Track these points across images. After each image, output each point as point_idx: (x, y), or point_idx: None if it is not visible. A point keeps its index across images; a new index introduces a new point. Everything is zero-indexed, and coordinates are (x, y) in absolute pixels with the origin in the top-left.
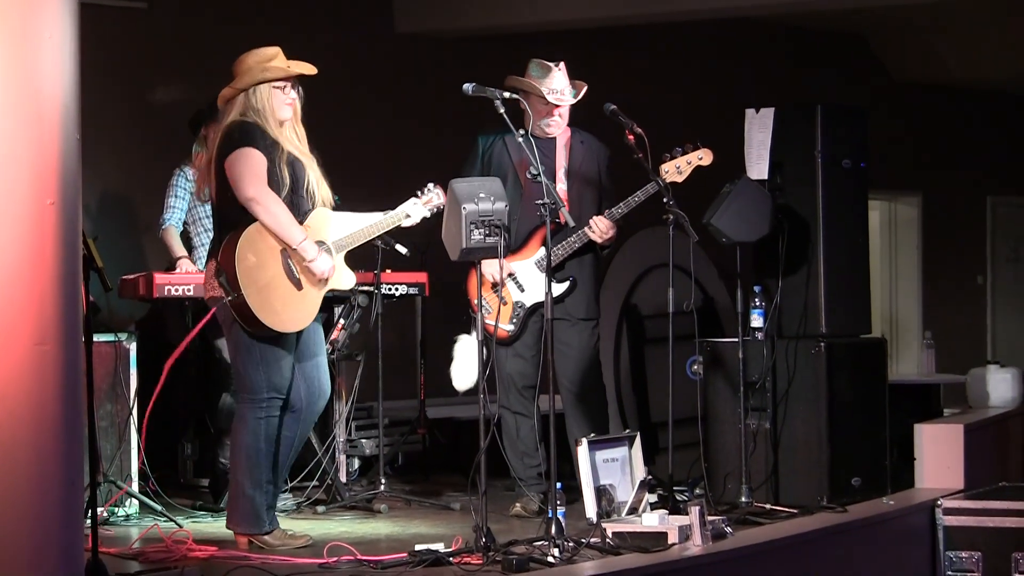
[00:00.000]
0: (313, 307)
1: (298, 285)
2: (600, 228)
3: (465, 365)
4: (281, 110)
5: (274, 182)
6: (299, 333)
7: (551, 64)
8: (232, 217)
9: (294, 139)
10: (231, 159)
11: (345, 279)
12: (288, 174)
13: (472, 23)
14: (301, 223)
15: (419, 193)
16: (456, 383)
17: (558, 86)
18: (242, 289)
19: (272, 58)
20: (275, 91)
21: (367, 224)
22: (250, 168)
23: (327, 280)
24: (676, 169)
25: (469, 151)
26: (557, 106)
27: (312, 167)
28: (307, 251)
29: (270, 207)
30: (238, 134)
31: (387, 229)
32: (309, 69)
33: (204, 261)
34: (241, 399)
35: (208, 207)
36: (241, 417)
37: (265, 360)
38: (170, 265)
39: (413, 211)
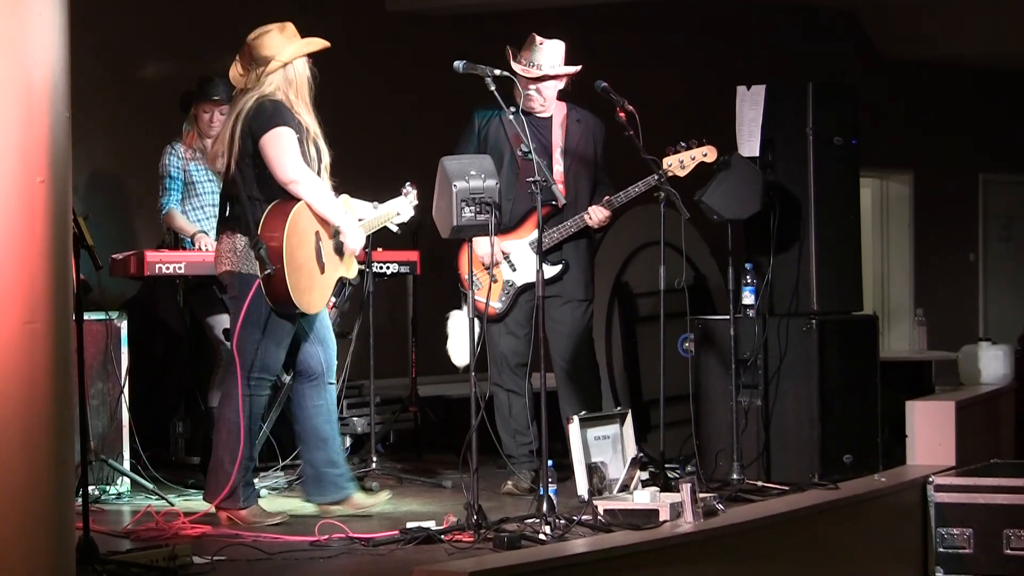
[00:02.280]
0: (329, 291)
1: (322, 268)
2: (598, 217)
3: (462, 341)
4: (309, 86)
5: (306, 160)
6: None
7: (539, 38)
8: (267, 192)
9: (313, 116)
10: (269, 138)
11: (354, 268)
12: (314, 151)
13: (463, 0)
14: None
15: (404, 192)
16: (455, 359)
17: (536, 60)
18: (284, 263)
19: (297, 34)
20: (308, 66)
21: (372, 215)
22: (289, 148)
23: (345, 265)
24: (679, 163)
25: (465, 126)
26: (531, 80)
27: (324, 149)
28: (346, 224)
29: (314, 186)
30: (271, 110)
31: (384, 224)
32: (326, 44)
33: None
34: (231, 373)
35: (203, 184)
36: (228, 393)
37: (268, 339)
38: (165, 243)
39: (403, 209)
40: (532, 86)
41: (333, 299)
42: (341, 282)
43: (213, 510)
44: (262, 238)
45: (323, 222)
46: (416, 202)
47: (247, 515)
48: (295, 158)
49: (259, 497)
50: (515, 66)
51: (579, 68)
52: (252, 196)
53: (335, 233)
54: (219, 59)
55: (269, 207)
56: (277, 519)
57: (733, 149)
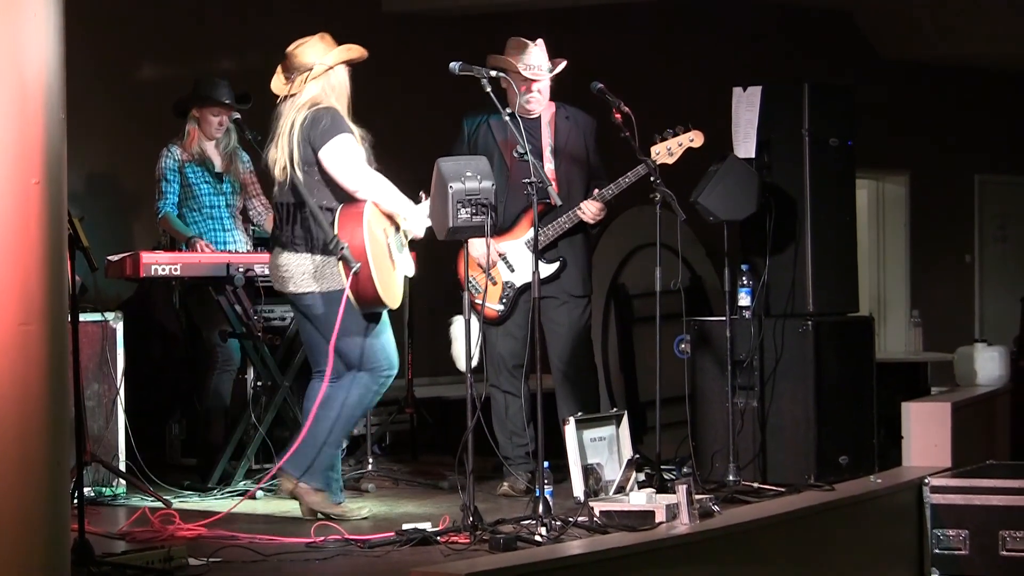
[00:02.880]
0: (401, 287)
1: (394, 265)
2: (591, 211)
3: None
4: (349, 95)
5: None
6: None
7: (528, 41)
8: (338, 198)
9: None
10: (330, 148)
11: (411, 266)
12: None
13: (460, 2)
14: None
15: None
16: (458, 364)
17: (535, 62)
18: (368, 259)
19: (334, 43)
20: (347, 73)
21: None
22: (350, 157)
23: (405, 264)
24: (667, 151)
25: (456, 135)
26: (535, 81)
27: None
28: (414, 214)
29: (378, 186)
30: (329, 120)
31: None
32: (364, 53)
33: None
34: (355, 370)
35: (200, 187)
36: (358, 382)
37: (370, 338)
38: (161, 246)
39: (420, 220)
40: (536, 89)
41: None
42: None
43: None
44: (342, 239)
45: (389, 218)
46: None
47: (319, 500)
48: (358, 165)
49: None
50: (524, 72)
51: (565, 62)
52: (323, 206)
53: (396, 227)
54: (216, 61)
55: (339, 209)
56: (363, 512)
57: (729, 150)
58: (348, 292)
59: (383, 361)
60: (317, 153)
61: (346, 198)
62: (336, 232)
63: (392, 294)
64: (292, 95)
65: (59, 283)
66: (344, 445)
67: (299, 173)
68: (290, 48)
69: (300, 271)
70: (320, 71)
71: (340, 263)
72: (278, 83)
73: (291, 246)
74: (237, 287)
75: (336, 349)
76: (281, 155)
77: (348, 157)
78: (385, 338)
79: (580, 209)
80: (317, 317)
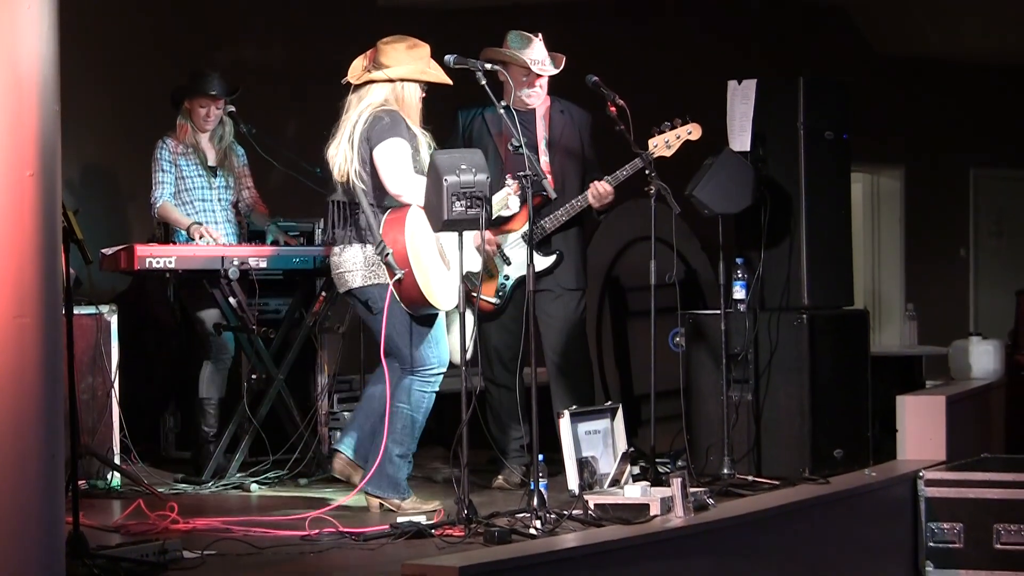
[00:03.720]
0: (456, 285)
1: (448, 265)
2: (600, 192)
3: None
4: (419, 108)
5: (417, 169)
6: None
7: (531, 35)
8: (382, 199)
9: (418, 131)
10: (381, 149)
11: (477, 261)
12: (423, 162)
13: None
14: None
15: (507, 183)
16: (454, 356)
17: (539, 56)
18: (412, 266)
19: (426, 57)
20: (420, 92)
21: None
22: (398, 161)
23: (468, 260)
24: (665, 144)
25: (450, 128)
26: (539, 76)
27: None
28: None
29: (420, 192)
30: (388, 122)
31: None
32: (447, 80)
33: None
34: (403, 371)
35: (193, 179)
36: (404, 387)
37: (416, 338)
38: (156, 238)
39: (510, 201)
40: (538, 84)
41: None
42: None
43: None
44: (387, 244)
45: None
46: (515, 193)
47: (406, 505)
48: (403, 171)
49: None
50: (533, 67)
51: (564, 58)
52: (374, 204)
53: None
54: (211, 54)
55: (386, 214)
56: (431, 506)
57: (724, 143)
58: (392, 291)
59: (432, 361)
60: (372, 151)
61: (395, 202)
62: (381, 236)
63: (444, 295)
64: (359, 87)
65: (53, 276)
66: (411, 449)
67: (357, 173)
68: (382, 40)
69: (356, 266)
70: (380, 78)
71: (385, 268)
72: (357, 64)
73: (346, 242)
74: (232, 280)
75: (387, 349)
76: (340, 156)
77: (396, 160)
78: (433, 337)
79: (589, 192)
80: (378, 313)
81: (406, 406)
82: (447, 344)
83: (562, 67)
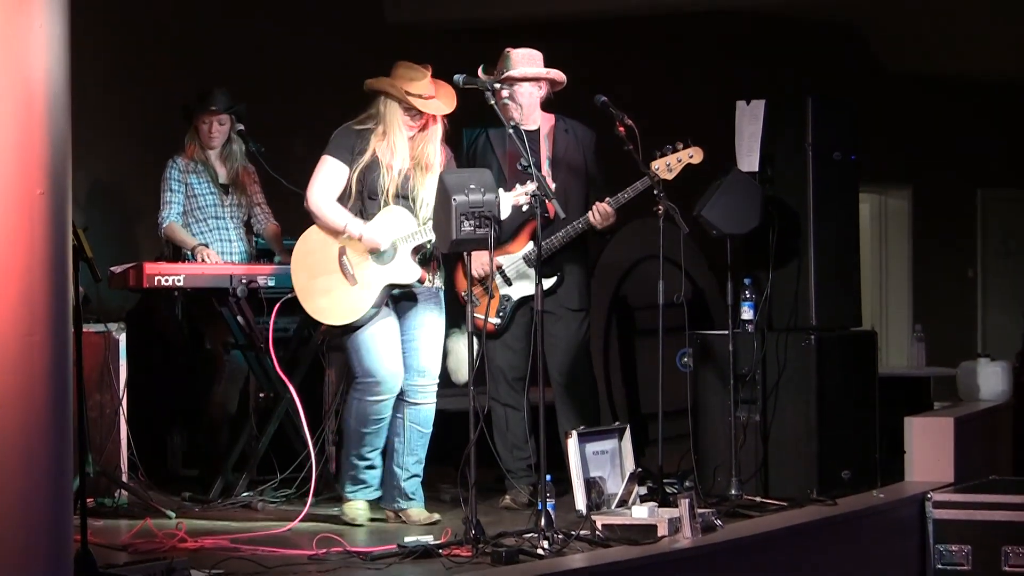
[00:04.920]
0: (364, 300)
1: (352, 280)
2: (601, 214)
3: (462, 358)
4: (404, 128)
5: (349, 190)
6: (402, 322)
7: (509, 48)
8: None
9: (404, 152)
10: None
11: (408, 273)
12: (372, 182)
13: (463, 14)
14: (367, 219)
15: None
16: (454, 376)
17: (504, 68)
18: (295, 285)
19: (416, 80)
20: (402, 112)
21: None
22: (317, 175)
23: (394, 272)
24: (666, 167)
25: (455, 145)
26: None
27: (423, 178)
28: (352, 230)
29: (319, 210)
30: (334, 136)
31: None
32: (439, 110)
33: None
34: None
35: (205, 197)
36: (351, 396)
37: (359, 349)
38: (164, 257)
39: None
40: (506, 94)
41: None
42: (391, 287)
43: None
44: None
45: (349, 237)
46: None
47: (346, 508)
48: (316, 186)
49: (364, 497)
50: (484, 77)
51: (552, 72)
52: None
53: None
54: (219, 72)
55: None
56: (358, 521)
57: (732, 163)
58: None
59: (359, 371)
60: None
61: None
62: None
63: (335, 311)
64: None
65: (63, 294)
66: (362, 456)
67: None
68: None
69: None
70: (368, 88)
71: None
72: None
73: None
74: (240, 298)
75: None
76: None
77: (316, 174)
78: (368, 349)
79: (591, 213)
80: None
81: (347, 412)
82: (391, 357)
83: (521, 73)
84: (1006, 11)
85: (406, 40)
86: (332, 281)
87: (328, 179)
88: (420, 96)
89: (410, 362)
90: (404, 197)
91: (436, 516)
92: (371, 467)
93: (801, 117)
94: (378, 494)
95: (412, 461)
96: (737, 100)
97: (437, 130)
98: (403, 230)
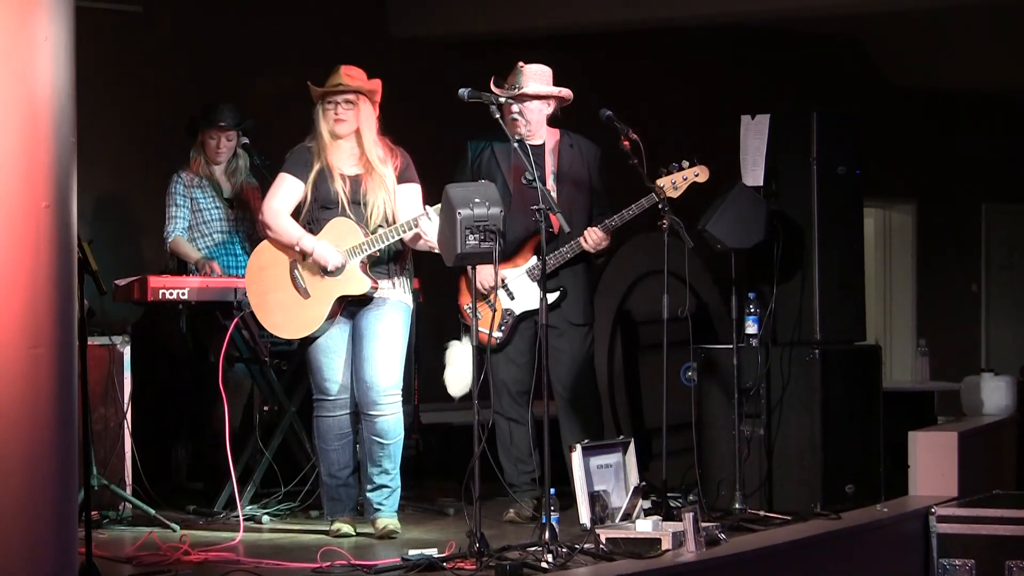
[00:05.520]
0: (318, 314)
1: (305, 294)
2: (593, 240)
3: (458, 371)
4: (333, 127)
5: (325, 199)
6: (353, 337)
7: (521, 63)
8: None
9: (345, 153)
10: None
11: (358, 284)
12: (325, 192)
13: (467, 27)
14: (316, 232)
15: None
16: (450, 389)
17: (517, 83)
18: (249, 300)
19: (330, 79)
20: (326, 110)
21: (380, 232)
22: (272, 191)
23: (344, 284)
24: (672, 184)
25: (459, 157)
26: (514, 98)
27: (373, 182)
28: (305, 244)
29: (272, 224)
30: (287, 157)
31: (398, 237)
32: (334, 81)
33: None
34: None
35: (210, 211)
36: None
37: (311, 365)
38: (168, 270)
39: (426, 224)
40: (516, 109)
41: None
42: (343, 299)
43: None
44: None
45: (302, 252)
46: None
47: (331, 528)
48: (270, 201)
49: (341, 515)
50: (496, 91)
51: (563, 91)
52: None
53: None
54: (224, 85)
55: None
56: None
57: (737, 178)
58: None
59: (312, 387)
60: None
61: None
62: None
63: (288, 326)
64: None
65: (68, 307)
66: (331, 474)
67: None
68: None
69: None
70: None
71: None
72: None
73: None
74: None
75: None
76: None
77: (270, 191)
78: (316, 365)
79: (583, 238)
80: None
81: (313, 431)
82: (336, 372)
83: (534, 90)
84: (1010, 25)
85: (410, 53)
86: (286, 296)
87: (282, 194)
88: (330, 87)
89: (362, 374)
90: (357, 203)
91: (392, 528)
92: (343, 485)
93: (806, 131)
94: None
95: (376, 472)
96: (741, 114)
97: (368, 122)
98: (350, 242)
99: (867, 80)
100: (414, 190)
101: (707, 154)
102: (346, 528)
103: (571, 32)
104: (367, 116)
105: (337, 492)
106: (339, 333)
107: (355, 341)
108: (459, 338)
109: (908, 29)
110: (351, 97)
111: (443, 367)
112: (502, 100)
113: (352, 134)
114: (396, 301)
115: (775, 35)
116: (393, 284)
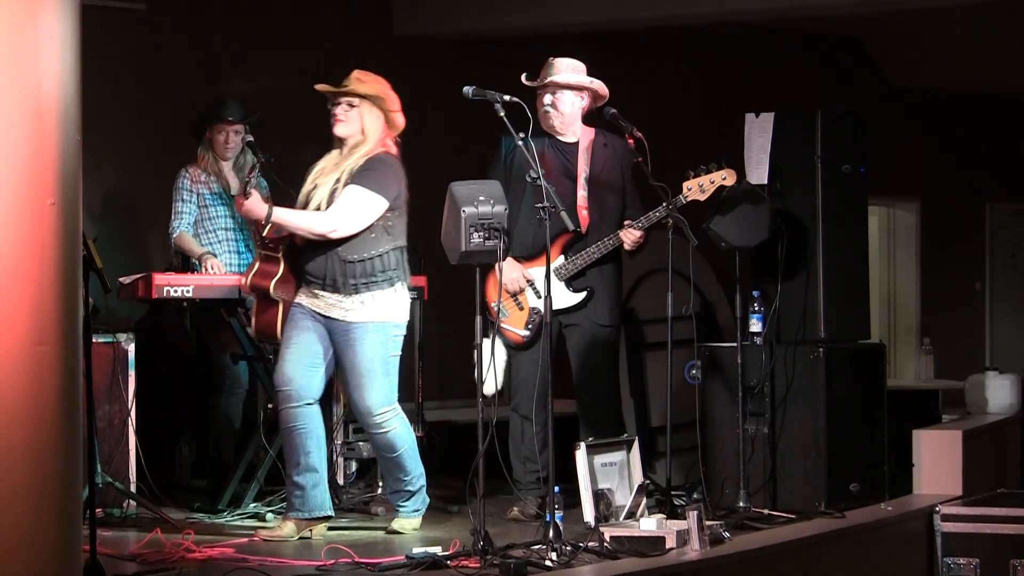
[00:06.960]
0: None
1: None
2: (631, 239)
3: (491, 370)
4: (332, 128)
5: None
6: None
7: (553, 57)
8: None
9: (332, 163)
10: None
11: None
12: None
13: (472, 26)
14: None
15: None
16: (484, 388)
17: (547, 75)
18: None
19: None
20: (330, 111)
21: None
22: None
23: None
24: (699, 188)
25: (493, 155)
26: (544, 94)
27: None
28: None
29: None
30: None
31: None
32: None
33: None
34: None
35: (216, 208)
36: None
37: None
38: (173, 266)
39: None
40: (548, 101)
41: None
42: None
43: None
44: None
45: None
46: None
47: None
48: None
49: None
50: (526, 82)
51: (594, 81)
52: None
53: None
54: (231, 82)
55: None
56: (282, 536)
57: (741, 176)
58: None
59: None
60: None
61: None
62: None
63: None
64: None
65: (73, 304)
66: (288, 473)
67: None
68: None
69: None
70: None
71: None
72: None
73: None
74: (248, 309)
75: None
76: None
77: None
78: (287, 359)
79: (623, 233)
80: None
81: None
82: (292, 366)
83: (564, 79)
84: (1013, 26)
85: (415, 53)
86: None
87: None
88: (330, 88)
89: (351, 401)
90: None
91: (397, 528)
92: (293, 484)
93: (810, 130)
94: (319, 513)
95: (391, 479)
96: (746, 113)
97: (373, 130)
98: None
99: (871, 79)
100: (349, 190)
101: (708, 154)
102: (287, 530)
103: (575, 31)
104: (372, 123)
105: (289, 490)
106: (309, 334)
107: (337, 364)
108: (486, 335)
109: (912, 29)
110: (353, 100)
111: (445, 364)
112: (506, 98)
113: (352, 136)
114: (361, 324)
115: (776, 35)
116: (361, 302)
